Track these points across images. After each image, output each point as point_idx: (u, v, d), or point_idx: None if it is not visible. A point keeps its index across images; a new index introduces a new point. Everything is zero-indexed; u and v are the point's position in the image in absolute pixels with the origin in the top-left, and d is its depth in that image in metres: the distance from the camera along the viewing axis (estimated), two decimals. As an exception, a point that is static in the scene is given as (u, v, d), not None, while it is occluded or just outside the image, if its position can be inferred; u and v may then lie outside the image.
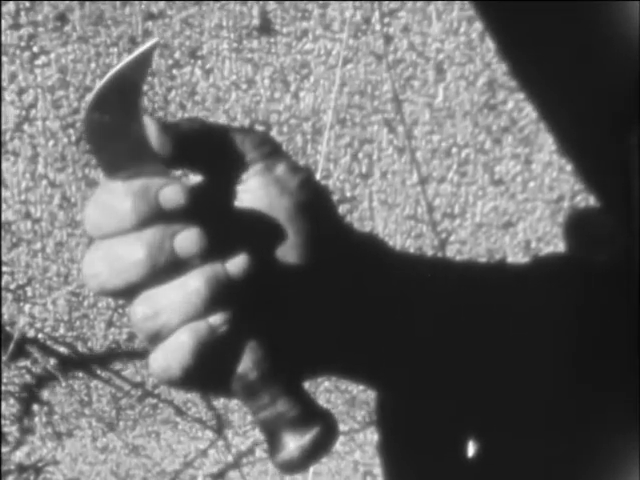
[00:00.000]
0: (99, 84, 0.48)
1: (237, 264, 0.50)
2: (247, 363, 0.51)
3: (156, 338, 0.50)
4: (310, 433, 0.52)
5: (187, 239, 0.49)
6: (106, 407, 1.10)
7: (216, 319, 0.50)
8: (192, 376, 0.50)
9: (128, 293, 0.50)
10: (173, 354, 0.50)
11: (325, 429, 0.53)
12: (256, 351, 0.51)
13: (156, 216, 0.49)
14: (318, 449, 0.52)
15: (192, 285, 0.49)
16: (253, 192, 0.52)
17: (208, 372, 0.51)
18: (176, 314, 0.49)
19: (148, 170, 0.50)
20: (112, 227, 0.49)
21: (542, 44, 0.91)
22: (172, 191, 0.49)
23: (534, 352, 0.59)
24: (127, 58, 0.48)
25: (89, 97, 0.49)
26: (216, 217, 0.51)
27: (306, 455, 0.52)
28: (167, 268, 0.49)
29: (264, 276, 0.51)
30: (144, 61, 0.49)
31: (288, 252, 0.52)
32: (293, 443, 0.52)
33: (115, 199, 0.49)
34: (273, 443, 0.52)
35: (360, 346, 0.56)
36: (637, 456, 0.56)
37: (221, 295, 0.50)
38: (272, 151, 0.53)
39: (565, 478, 0.60)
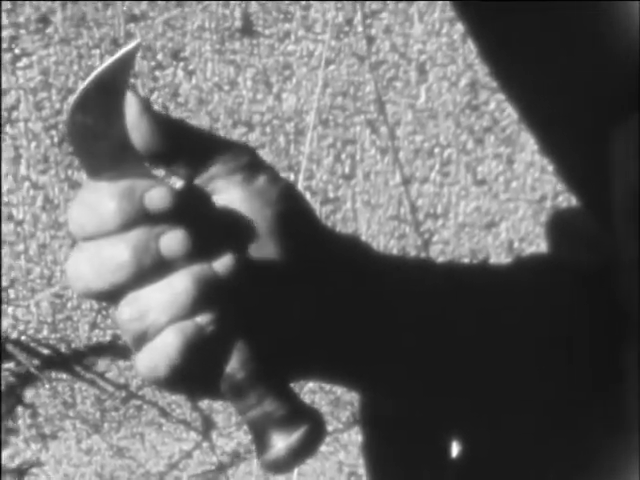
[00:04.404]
0: (82, 86, 0.48)
1: (224, 264, 0.50)
2: (234, 363, 0.51)
3: (142, 339, 0.50)
4: (298, 432, 0.52)
5: (172, 240, 0.49)
6: (90, 409, 1.10)
7: (203, 319, 0.50)
8: (179, 376, 0.50)
9: (113, 295, 0.50)
10: (160, 354, 0.49)
11: (313, 428, 0.53)
12: (243, 351, 0.51)
13: (141, 218, 0.49)
14: (306, 448, 0.52)
15: (179, 285, 0.49)
16: (234, 204, 0.52)
17: (195, 372, 0.51)
18: (163, 314, 0.49)
19: (131, 172, 0.50)
20: (96, 227, 0.49)
21: (524, 45, 0.91)
22: (158, 193, 0.49)
23: (519, 352, 0.59)
24: (109, 60, 0.48)
25: (72, 99, 0.49)
26: (200, 218, 0.51)
27: (294, 454, 0.52)
28: (153, 269, 0.49)
29: (250, 276, 0.51)
30: (127, 62, 0.49)
31: (271, 260, 0.53)
32: (281, 442, 0.52)
33: (100, 199, 0.49)
34: (260, 443, 0.52)
35: (343, 348, 0.56)
36: (637, 456, 0.56)
37: (208, 295, 0.50)
38: (252, 162, 0.53)
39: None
